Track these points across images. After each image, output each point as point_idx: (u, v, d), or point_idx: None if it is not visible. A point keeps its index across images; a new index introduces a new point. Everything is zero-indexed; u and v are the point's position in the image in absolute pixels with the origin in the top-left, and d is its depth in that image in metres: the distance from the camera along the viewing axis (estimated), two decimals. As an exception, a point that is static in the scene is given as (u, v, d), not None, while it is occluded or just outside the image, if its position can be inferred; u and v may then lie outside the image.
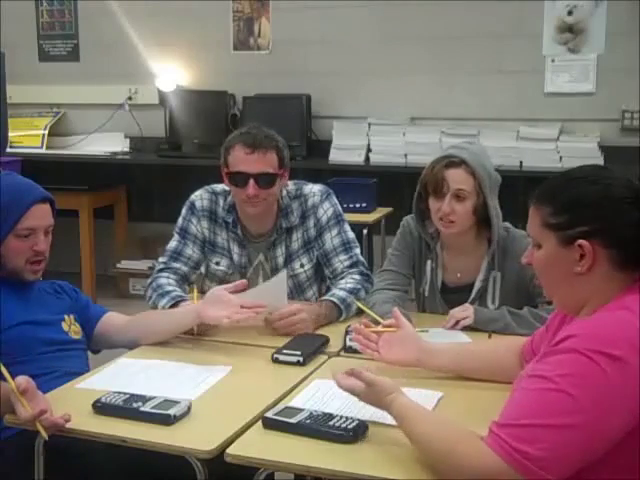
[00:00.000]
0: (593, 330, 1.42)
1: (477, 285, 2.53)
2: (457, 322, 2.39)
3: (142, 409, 1.75)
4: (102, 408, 1.78)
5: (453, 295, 2.58)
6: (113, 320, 2.38)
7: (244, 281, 2.33)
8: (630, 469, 1.41)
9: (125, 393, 1.82)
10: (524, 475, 1.35)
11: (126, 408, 1.76)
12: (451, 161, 2.45)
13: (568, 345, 1.41)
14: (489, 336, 2.33)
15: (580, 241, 1.50)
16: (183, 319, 2.30)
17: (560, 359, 1.41)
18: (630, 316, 1.43)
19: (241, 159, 2.50)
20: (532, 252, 1.61)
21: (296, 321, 2.33)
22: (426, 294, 2.62)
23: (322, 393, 1.89)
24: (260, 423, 1.72)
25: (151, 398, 1.79)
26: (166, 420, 1.72)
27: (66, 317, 2.28)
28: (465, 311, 2.42)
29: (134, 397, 1.80)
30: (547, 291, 1.65)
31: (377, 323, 2.17)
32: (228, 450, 1.63)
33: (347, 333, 2.24)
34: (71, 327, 2.27)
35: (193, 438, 1.69)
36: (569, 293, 1.57)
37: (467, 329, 2.38)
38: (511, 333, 2.32)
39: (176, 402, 1.77)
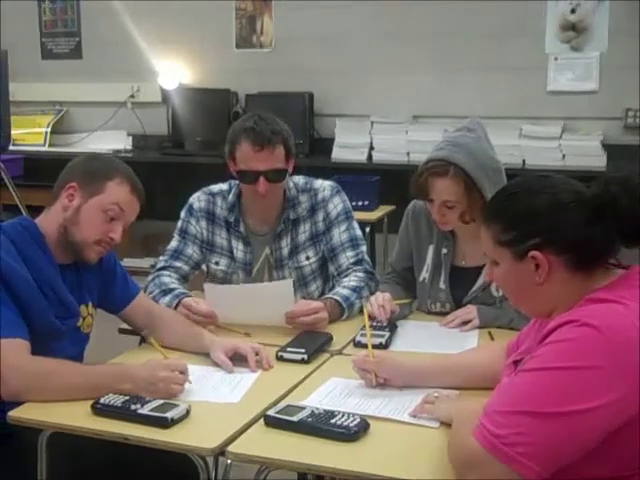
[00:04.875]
0: (582, 312, 1.42)
1: (484, 274, 2.47)
2: (464, 323, 2.40)
3: (140, 411, 1.73)
4: (101, 409, 1.77)
5: (456, 279, 2.54)
6: (142, 309, 2.38)
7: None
8: (630, 464, 1.39)
9: (125, 394, 1.80)
10: (504, 461, 1.33)
11: (124, 410, 1.74)
12: (436, 170, 2.36)
13: (552, 338, 1.41)
14: (491, 338, 2.32)
15: (532, 252, 1.51)
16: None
17: (546, 350, 1.41)
18: (616, 306, 1.42)
19: (250, 157, 2.50)
20: (491, 269, 1.62)
21: (318, 319, 2.35)
22: (426, 281, 2.56)
23: (339, 391, 1.90)
24: (262, 421, 1.72)
25: (150, 400, 1.77)
26: (163, 423, 1.70)
27: (83, 307, 2.15)
28: (469, 313, 2.41)
29: (133, 399, 1.78)
30: (513, 303, 1.67)
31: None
32: (229, 448, 1.63)
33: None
34: (85, 320, 2.15)
35: (195, 436, 1.68)
36: (534, 302, 1.59)
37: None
38: (514, 327, 2.31)
39: (175, 405, 1.76)
